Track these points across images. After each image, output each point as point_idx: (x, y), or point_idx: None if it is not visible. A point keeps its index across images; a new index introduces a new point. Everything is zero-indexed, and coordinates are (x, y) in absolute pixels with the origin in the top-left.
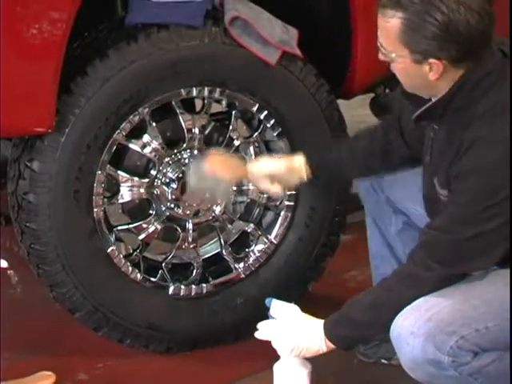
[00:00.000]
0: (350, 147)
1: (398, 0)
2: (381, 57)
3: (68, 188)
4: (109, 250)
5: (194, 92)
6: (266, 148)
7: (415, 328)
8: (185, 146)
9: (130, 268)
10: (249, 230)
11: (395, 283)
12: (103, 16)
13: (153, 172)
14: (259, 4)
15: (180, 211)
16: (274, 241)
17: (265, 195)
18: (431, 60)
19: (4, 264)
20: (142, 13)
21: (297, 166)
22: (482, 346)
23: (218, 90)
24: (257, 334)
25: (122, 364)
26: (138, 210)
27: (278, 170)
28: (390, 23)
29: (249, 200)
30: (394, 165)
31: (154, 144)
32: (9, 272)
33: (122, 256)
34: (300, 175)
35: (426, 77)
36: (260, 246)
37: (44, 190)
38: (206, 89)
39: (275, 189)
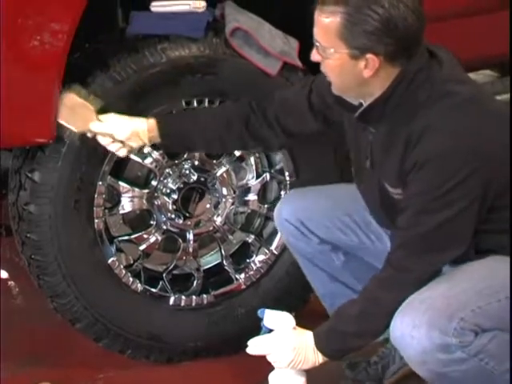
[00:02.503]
0: (213, 115)
1: None
2: (314, 57)
3: (69, 199)
4: (109, 261)
5: (195, 103)
6: (267, 158)
7: (416, 321)
8: (185, 156)
9: (131, 279)
10: (250, 241)
11: (377, 290)
12: (104, 27)
13: (153, 183)
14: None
15: (181, 222)
16: (274, 251)
17: (266, 206)
18: (368, 55)
19: (4, 275)
20: (143, 24)
21: (141, 130)
22: (481, 325)
23: (218, 100)
24: (249, 350)
25: (123, 375)
26: (138, 221)
27: (121, 132)
28: (329, 19)
29: (250, 211)
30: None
31: (155, 155)
32: (9, 283)
33: (122, 267)
34: (142, 141)
35: (359, 74)
36: (261, 257)
37: (45, 200)
38: (206, 99)
39: (113, 148)
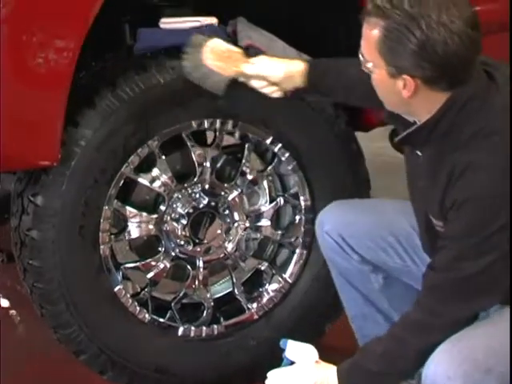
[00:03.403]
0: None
1: (383, 8)
2: (364, 67)
3: (73, 224)
4: (115, 289)
5: (206, 124)
6: (281, 182)
7: (451, 372)
8: (195, 180)
9: (138, 308)
10: (262, 269)
11: (404, 332)
12: (111, 44)
13: (162, 207)
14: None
15: (190, 248)
16: (288, 280)
17: (279, 232)
18: (405, 76)
19: (5, 303)
20: (151, 39)
21: (295, 72)
22: None
23: (230, 121)
24: (268, 382)
25: None
26: (146, 247)
27: (275, 75)
28: (371, 31)
29: (262, 237)
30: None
31: (164, 178)
32: (10, 312)
33: (129, 295)
34: (296, 83)
35: (399, 93)
36: (274, 285)
37: (48, 225)
38: (217, 121)
39: (268, 91)
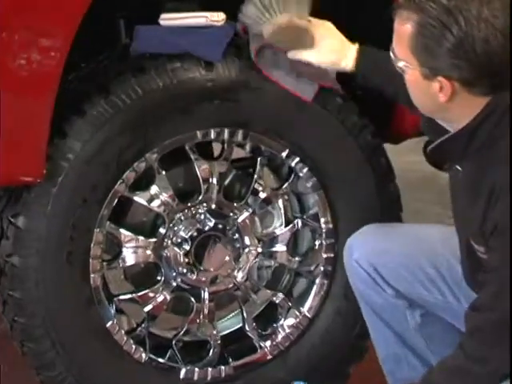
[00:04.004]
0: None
1: (417, 2)
2: (396, 67)
3: (60, 249)
4: (108, 325)
5: (212, 134)
6: (298, 201)
7: None
8: (200, 198)
9: (134, 346)
10: (277, 301)
11: (442, 380)
12: (104, 43)
13: (162, 230)
14: None
15: (194, 277)
16: (307, 314)
17: (296, 259)
18: (441, 78)
19: None
20: (150, 40)
21: (349, 57)
22: None
23: (240, 131)
24: None
25: None
26: (143, 276)
27: (326, 62)
28: (403, 26)
29: (277, 264)
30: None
31: (164, 196)
32: None
33: (123, 332)
34: (345, 70)
35: (435, 97)
36: (291, 321)
37: (31, 251)
38: (225, 131)
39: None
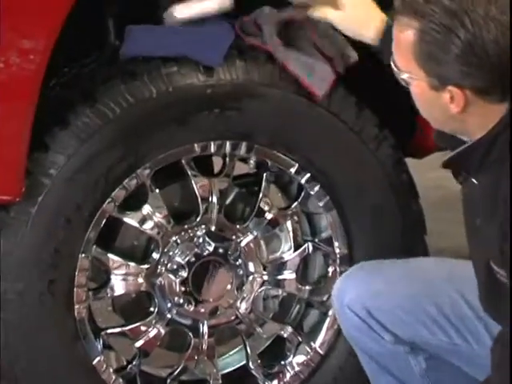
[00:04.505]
0: None
1: (415, 6)
2: (399, 79)
3: (40, 277)
4: (95, 362)
5: (212, 147)
6: (309, 223)
7: None
8: (198, 220)
9: None
10: (285, 335)
11: None
12: (90, 45)
13: (155, 255)
14: None
15: (191, 309)
16: (319, 350)
17: (307, 287)
18: (451, 87)
19: None
20: (143, 42)
21: (378, 26)
22: None
23: (243, 144)
24: None
25: None
26: (134, 308)
27: (351, 29)
28: (403, 34)
29: (285, 294)
30: None
31: (157, 217)
32: None
33: (112, 369)
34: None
35: (446, 109)
36: (300, 358)
37: (8, 278)
38: (227, 143)
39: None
